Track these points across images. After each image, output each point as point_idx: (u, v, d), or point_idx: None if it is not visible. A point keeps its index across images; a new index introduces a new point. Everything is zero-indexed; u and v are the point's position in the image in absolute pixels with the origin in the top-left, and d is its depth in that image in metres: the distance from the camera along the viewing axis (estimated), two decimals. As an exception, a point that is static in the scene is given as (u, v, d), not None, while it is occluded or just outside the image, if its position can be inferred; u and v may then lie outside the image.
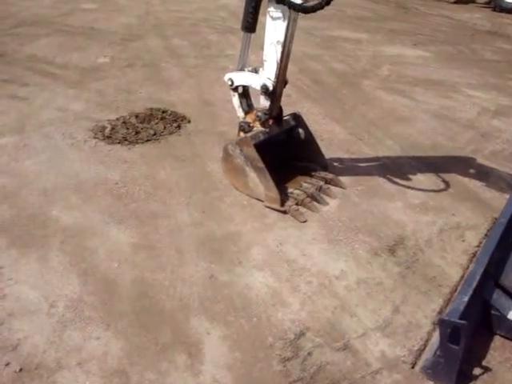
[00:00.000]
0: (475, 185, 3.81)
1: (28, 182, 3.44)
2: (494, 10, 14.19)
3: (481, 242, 3.08)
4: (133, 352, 2.15)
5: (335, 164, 3.83)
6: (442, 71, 7.03)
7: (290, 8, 2.86)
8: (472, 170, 4.06)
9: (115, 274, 2.60)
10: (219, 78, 5.62)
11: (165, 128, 4.33)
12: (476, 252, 2.98)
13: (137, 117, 4.51)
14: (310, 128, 3.63)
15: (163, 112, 4.64)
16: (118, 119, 4.47)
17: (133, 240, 2.87)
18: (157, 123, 4.40)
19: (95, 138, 4.13)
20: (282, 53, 3.02)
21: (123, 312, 2.36)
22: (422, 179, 3.80)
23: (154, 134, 4.20)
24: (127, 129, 4.27)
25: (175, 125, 4.41)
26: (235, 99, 3.40)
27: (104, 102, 4.93)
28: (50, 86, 5.27)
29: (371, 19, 10.90)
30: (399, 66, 7.09)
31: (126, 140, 4.08)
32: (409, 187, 3.65)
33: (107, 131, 4.22)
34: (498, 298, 2.44)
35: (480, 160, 4.25)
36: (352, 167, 3.88)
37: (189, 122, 4.52)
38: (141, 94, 5.17)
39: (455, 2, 15.64)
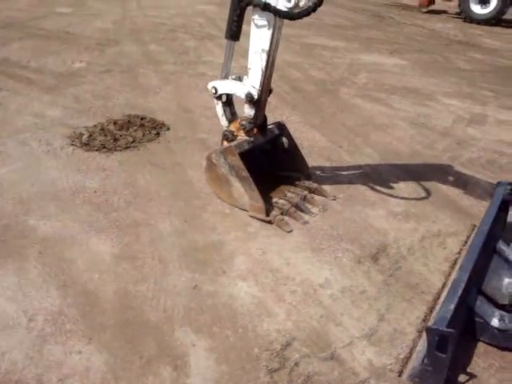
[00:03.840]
0: (454, 192, 3.86)
1: (3, 191, 3.35)
2: (465, 20, 14.52)
3: (461, 249, 3.11)
4: (117, 366, 2.09)
5: (317, 172, 3.84)
6: (418, 79, 7.14)
7: (275, 15, 2.86)
8: (450, 178, 4.11)
9: (96, 286, 2.54)
10: (197, 85, 5.63)
11: (144, 135, 4.27)
12: (457, 259, 3.01)
13: (115, 124, 4.44)
14: (291, 133, 3.62)
15: (142, 119, 4.58)
16: (95, 126, 4.39)
17: (114, 250, 2.81)
18: (135, 130, 4.34)
19: (72, 144, 4.05)
20: (267, 61, 3.01)
21: (105, 325, 2.30)
22: (403, 187, 3.84)
23: (133, 142, 4.14)
24: (105, 136, 4.20)
25: (154, 132, 4.35)
26: (219, 108, 3.37)
27: (81, 108, 4.85)
28: (24, 91, 5.17)
29: (348, 28, 11.02)
30: (376, 73, 7.17)
31: (104, 147, 4.01)
32: (390, 195, 3.67)
33: (85, 138, 4.15)
34: (481, 305, 2.47)
35: (457, 167, 4.31)
36: (333, 175, 3.89)
37: (168, 129, 4.48)
38: (118, 101, 5.10)
39: (427, 12, 15.97)
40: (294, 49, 7.95)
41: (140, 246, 2.87)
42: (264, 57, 3.00)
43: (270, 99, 3.41)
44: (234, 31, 3.15)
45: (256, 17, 2.97)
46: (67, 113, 4.71)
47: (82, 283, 2.55)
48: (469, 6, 14.40)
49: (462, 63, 8.70)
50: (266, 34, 2.96)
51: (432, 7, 16.39)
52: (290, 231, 3.09)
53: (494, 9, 14.04)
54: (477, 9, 14.35)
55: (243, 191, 3.12)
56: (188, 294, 2.53)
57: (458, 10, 15.07)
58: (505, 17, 14.38)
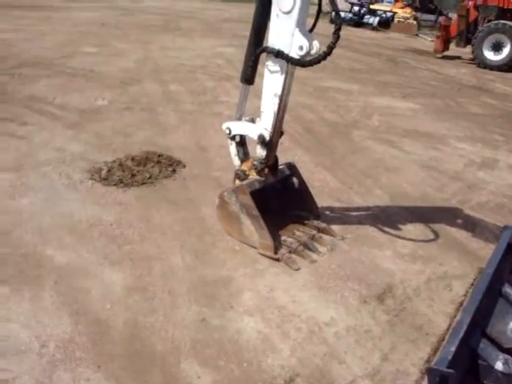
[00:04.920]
0: (462, 235, 3.91)
1: (23, 221, 3.49)
2: (479, 66, 14.78)
3: (467, 292, 3.14)
4: (123, 395, 2.16)
5: (326, 212, 3.92)
6: (430, 123, 7.26)
7: (288, 62, 3.02)
8: (459, 221, 4.17)
9: (107, 316, 2.63)
10: (214, 124, 5.81)
11: (160, 172, 4.42)
12: (463, 301, 3.04)
13: (133, 159, 4.61)
14: (303, 176, 3.74)
15: (159, 156, 4.74)
16: (114, 161, 4.55)
17: (126, 282, 2.91)
18: (152, 166, 4.49)
19: (92, 179, 4.21)
20: (279, 105, 3.16)
21: (114, 354, 2.38)
22: (411, 229, 3.90)
23: (150, 178, 4.29)
24: (123, 171, 4.36)
25: (170, 169, 4.50)
26: (232, 147, 3.52)
27: (101, 143, 5.03)
28: (48, 126, 5.39)
29: (363, 71, 11.28)
30: (389, 117, 7.32)
31: (121, 182, 4.16)
32: (398, 236, 3.74)
33: (104, 173, 4.30)
34: (484, 347, 2.49)
35: (467, 211, 4.37)
36: (342, 216, 3.97)
37: (184, 166, 4.62)
38: (137, 137, 5.28)
39: (442, 57, 16.27)
40: (308, 91, 8.16)
41: (151, 279, 2.96)
42: (276, 101, 3.15)
43: (283, 140, 3.55)
44: (249, 76, 3.32)
45: (270, 63, 3.13)
46: (88, 148, 4.89)
47: (93, 312, 2.64)
48: (482, 53, 14.69)
49: (474, 108, 8.83)
50: (279, 79, 3.11)
51: (446, 53, 16.70)
52: (298, 269, 3.16)
53: (507, 56, 14.29)
54: (490, 55, 14.63)
55: (253, 229, 3.22)
56: (196, 327, 2.60)
57: (471, 56, 15.35)
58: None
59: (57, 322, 2.55)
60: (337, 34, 2.80)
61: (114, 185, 4.13)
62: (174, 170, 4.50)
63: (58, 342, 2.42)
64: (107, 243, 3.29)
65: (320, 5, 3.14)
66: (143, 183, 4.19)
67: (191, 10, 23.91)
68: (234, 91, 7.49)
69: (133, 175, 4.30)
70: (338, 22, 2.79)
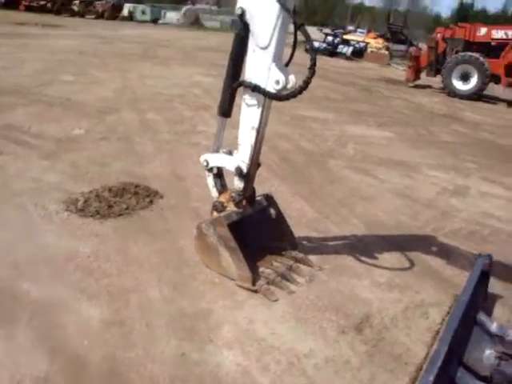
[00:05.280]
0: (437, 263, 3.98)
1: (-3, 254, 3.42)
2: (449, 95, 15.32)
3: (443, 319, 3.19)
4: None
5: (304, 242, 3.96)
6: (404, 151, 7.44)
7: (265, 96, 3.09)
8: (434, 248, 4.25)
9: (85, 352, 2.58)
10: (191, 154, 5.85)
11: (137, 203, 4.41)
12: (439, 329, 3.08)
13: (110, 190, 4.59)
14: (280, 206, 3.78)
15: (136, 186, 4.73)
16: (91, 192, 4.53)
17: (103, 316, 2.87)
18: (130, 197, 4.48)
19: (68, 210, 4.17)
20: (256, 137, 3.21)
21: (92, 392, 2.34)
22: (387, 257, 3.96)
23: (127, 209, 4.27)
24: (100, 202, 4.33)
25: (148, 200, 4.49)
26: (210, 179, 3.55)
27: (77, 173, 5.01)
28: (24, 156, 5.33)
29: (338, 100, 11.54)
30: (364, 145, 7.48)
31: (98, 213, 4.13)
32: (375, 265, 3.79)
33: (80, 204, 4.27)
34: (462, 376, 2.52)
35: (440, 238, 4.46)
36: (320, 246, 4.01)
37: (161, 197, 4.62)
38: (114, 167, 5.27)
39: (413, 86, 16.78)
40: (285, 120, 8.29)
41: (129, 312, 2.93)
42: (253, 133, 3.21)
43: (260, 170, 3.59)
44: (226, 109, 3.38)
45: (247, 97, 3.20)
46: (64, 178, 4.86)
47: (70, 349, 2.60)
48: (451, 82, 15.26)
49: (445, 136, 9.09)
50: (256, 112, 3.18)
51: (418, 82, 17.25)
52: (276, 300, 3.16)
53: (475, 85, 14.85)
54: (459, 85, 15.20)
55: (231, 261, 3.23)
56: (175, 361, 2.58)
57: (441, 86, 15.89)
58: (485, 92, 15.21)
59: (32, 361, 2.50)
60: (312, 69, 2.88)
61: (91, 216, 4.09)
62: (151, 201, 4.49)
63: (34, 381, 2.36)
64: (84, 277, 3.25)
65: (295, 40, 3.24)
66: (120, 214, 4.17)
67: (169, 38, 24.21)
68: (211, 121, 7.57)
69: (110, 206, 4.28)
70: (314, 57, 2.87)
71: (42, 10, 33.40)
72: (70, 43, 16.63)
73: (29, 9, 33.21)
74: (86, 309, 2.93)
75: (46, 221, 3.97)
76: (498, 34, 15.26)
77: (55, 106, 7.64)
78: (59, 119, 6.93)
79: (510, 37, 14.94)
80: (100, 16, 36.17)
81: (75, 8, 36.30)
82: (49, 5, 34.80)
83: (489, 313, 3.28)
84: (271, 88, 3.05)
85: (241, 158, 3.31)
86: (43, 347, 2.59)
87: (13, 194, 4.38)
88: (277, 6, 2.91)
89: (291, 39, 3.24)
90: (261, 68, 3.07)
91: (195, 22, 42.72)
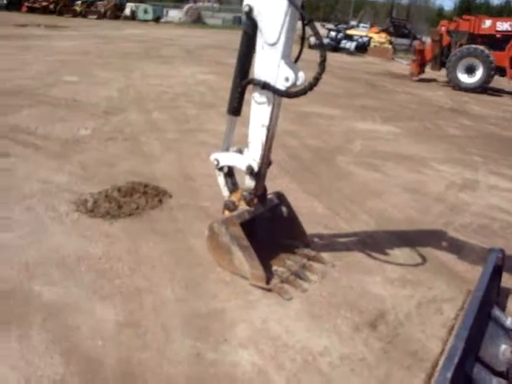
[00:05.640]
0: (448, 258, 3.96)
1: (9, 256, 3.42)
2: (454, 88, 15.27)
3: (457, 315, 3.17)
4: None
5: (315, 240, 3.95)
6: (411, 146, 7.41)
7: (274, 94, 3.07)
8: (445, 243, 4.23)
9: (99, 353, 2.58)
10: (199, 153, 5.84)
11: (147, 202, 4.40)
12: (454, 325, 3.07)
13: (119, 190, 4.58)
14: (291, 204, 3.76)
15: (145, 186, 4.72)
16: (100, 193, 4.52)
17: (117, 317, 2.87)
18: (139, 197, 4.48)
19: (78, 211, 4.17)
20: (267, 135, 3.20)
21: (109, 393, 2.33)
22: (398, 253, 3.94)
23: (137, 209, 4.27)
24: (109, 202, 4.33)
25: (157, 199, 4.49)
26: (220, 178, 3.54)
27: (86, 174, 5.00)
28: (32, 158, 5.34)
29: (343, 96, 11.50)
30: (371, 141, 7.45)
31: (108, 214, 4.13)
32: (386, 262, 3.77)
33: (89, 205, 4.27)
34: (478, 372, 2.51)
35: (451, 233, 4.45)
36: (331, 243, 4.00)
37: (170, 196, 4.61)
38: (122, 168, 5.27)
39: (418, 80, 16.71)
40: (291, 117, 8.26)
41: (143, 314, 2.92)
42: (264, 131, 3.19)
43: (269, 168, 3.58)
44: (235, 107, 3.36)
45: (256, 94, 3.18)
46: (73, 179, 4.85)
47: (85, 350, 2.59)
48: (456, 76, 15.19)
49: (452, 130, 9.05)
50: (266, 110, 3.16)
51: (422, 76, 17.18)
52: (290, 299, 3.15)
53: (480, 78, 14.77)
54: (464, 78, 15.13)
55: (244, 260, 3.22)
56: (190, 361, 2.57)
57: (446, 79, 15.82)
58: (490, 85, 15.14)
59: (47, 362, 2.49)
60: (322, 65, 2.87)
61: (101, 217, 4.09)
62: (160, 201, 4.48)
63: (49, 383, 2.36)
64: (96, 278, 3.25)
65: (304, 37, 3.22)
66: (130, 214, 4.17)
67: (171, 37, 24.18)
68: (217, 119, 7.56)
69: (119, 206, 4.27)
70: (323, 54, 2.85)
71: (44, 11, 33.44)
72: (73, 44, 16.65)
73: (31, 10, 33.27)
74: (100, 310, 2.93)
75: (56, 222, 3.96)
76: (503, 26, 15.17)
77: (60, 107, 7.64)
78: (65, 120, 6.93)
79: (514, 29, 14.85)
80: (102, 16, 36.19)
81: (77, 8, 36.32)
82: (51, 6, 34.83)
83: (502, 307, 3.26)
84: (281, 85, 3.04)
85: (252, 157, 3.30)
86: (58, 349, 2.59)
87: (22, 196, 4.38)
88: (285, 2, 2.89)
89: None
90: (270, 65, 3.05)
91: (197, 20, 42.72)
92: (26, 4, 33.92)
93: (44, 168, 5.10)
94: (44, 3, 34.57)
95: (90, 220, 4.03)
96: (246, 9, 3.06)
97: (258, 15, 3.04)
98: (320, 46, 2.88)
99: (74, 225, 3.95)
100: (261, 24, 3.03)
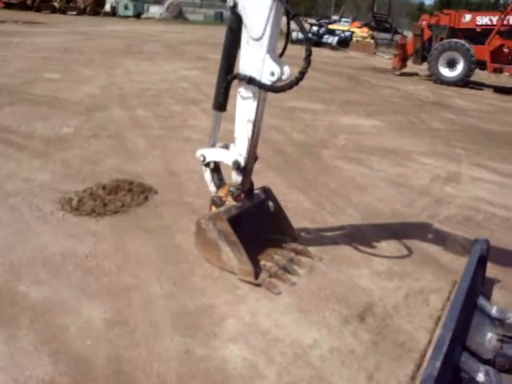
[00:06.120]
0: (434, 249, 4.01)
1: (-7, 257, 3.38)
2: (435, 82, 15.44)
3: (444, 306, 3.22)
4: (111, 435, 2.10)
5: (302, 234, 3.96)
6: (394, 140, 7.47)
7: (260, 88, 3.07)
8: (430, 235, 4.28)
9: (89, 352, 2.56)
10: (183, 149, 5.82)
11: (132, 199, 4.37)
12: (440, 315, 3.11)
13: (104, 188, 4.54)
14: (277, 199, 3.77)
15: (130, 183, 4.68)
16: (85, 191, 4.47)
17: (106, 315, 2.85)
18: (124, 195, 4.44)
19: (63, 209, 4.12)
20: (253, 130, 3.20)
21: (99, 392, 2.32)
22: (385, 246, 3.97)
23: (122, 206, 4.23)
24: (95, 200, 4.29)
25: (143, 196, 4.46)
26: (207, 174, 3.53)
27: (70, 172, 4.95)
28: (14, 156, 5.26)
29: (326, 90, 11.53)
30: (355, 135, 7.49)
31: (94, 212, 4.09)
32: (373, 254, 3.80)
33: (74, 203, 4.22)
34: (466, 360, 2.54)
35: (436, 225, 4.49)
36: (318, 237, 4.01)
37: (156, 193, 4.58)
38: (107, 165, 5.22)
39: (400, 74, 16.84)
40: (275, 112, 8.26)
41: (131, 311, 2.91)
42: (250, 126, 3.19)
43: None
44: (221, 103, 3.35)
45: (242, 89, 3.17)
46: (56, 177, 4.80)
47: (74, 350, 2.57)
48: (438, 69, 15.36)
49: (435, 123, 9.14)
50: (252, 105, 3.15)
51: (404, 70, 17.32)
52: (279, 293, 3.16)
53: (461, 72, 14.95)
54: (445, 72, 15.30)
55: (232, 255, 3.22)
56: (180, 358, 2.56)
57: (428, 73, 15.98)
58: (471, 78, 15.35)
59: (35, 363, 2.47)
60: (308, 60, 2.87)
61: (86, 215, 4.05)
62: (146, 197, 4.45)
63: (39, 384, 2.34)
64: (83, 276, 3.22)
65: (289, 31, 3.22)
66: (116, 212, 4.13)
67: (153, 33, 24.01)
68: (201, 115, 7.54)
69: (105, 204, 4.23)
70: (309, 48, 2.86)
71: (21, 7, 32.84)
72: (53, 40, 16.41)
73: (7, 6, 32.64)
74: (88, 309, 2.90)
75: (41, 221, 3.92)
76: (483, 20, 15.35)
77: (42, 105, 7.54)
78: (47, 118, 6.84)
79: (494, 23, 15.04)
80: (82, 12, 35.70)
81: (56, 4, 35.79)
82: (28, 1, 34.27)
83: (488, 297, 3.31)
84: (266, 80, 3.03)
85: (238, 152, 3.29)
86: (46, 349, 2.56)
87: (5, 195, 4.32)
88: (269, -3, 2.88)
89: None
90: (255, 60, 3.05)
91: (179, 16, 42.46)
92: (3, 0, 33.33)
93: (27, 167, 5.03)
94: (21, -1, 34.02)
95: (75, 218, 3.99)
96: (230, 3, 3.05)
97: (242, 10, 3.02)
98: (305, 41, 2.88)
99: (60, 223, 3.90)
100: (245, 19, 3.02)
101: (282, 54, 3.19)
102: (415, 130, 8.39)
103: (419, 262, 3.77)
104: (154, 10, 42.81)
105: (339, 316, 3.02)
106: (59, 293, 3.03)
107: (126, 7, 38.68)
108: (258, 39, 3.00)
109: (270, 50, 3.02)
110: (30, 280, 3.14)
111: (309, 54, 2.85)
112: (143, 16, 39.83)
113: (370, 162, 6.20)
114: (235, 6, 3.04)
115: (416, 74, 17.25)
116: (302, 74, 2.89)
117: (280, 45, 3.18)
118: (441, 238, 4.21)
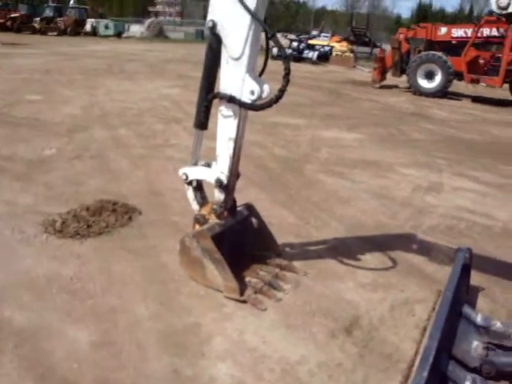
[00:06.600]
0: (418, 260, 4.05)
1: (-24, 282, 3.33)
2: (414, 93, 15.73)
3: (430, 316, 3.25)
4: None
5: (287, 249, 3.98)
6: (376, 152, 7.56)
7: (240, 107, 3.11)
8: (414, 246, 4.32)
9: (75, 376, 2.53)
10: (166, 168, 5.82)
11: (116, 220, 4.36)
12: (426, 325, 3.13)
13: (87, 209, 4.52)
14: (261, 214, 3.79)
15: (114, 204, 4.66)
16: (68, 212, 4.45)
17: (92, 338, 2.82)
18: (108, 215, 4.43)
19: (46, 232, 4.09)
20: (234, 148, 3.22)
21: (86, 417, 2.29)
22: (369, 258, 4.01)
23: (106, 227, 4.22)
24: (78, 222, 4.27)
25: (127, 216, 4.44)
26: (190, 193, 3.54)
27: (53, 194, 4.92)
28: (-5, 180, 5.22)
29: (307, 105, 11.65)
30: (337, 148, 7.57)
31: (77, 234, 4.07)
32: (358, 267, 3.83)
33: (58, 225, 4.20)
34: (453, 369, 2.57)
35: (420, 235, 4.55)
36: (303, 251, 4.03)
37: (140, 213, 4.57)
38: (90, 186, 5.20)
39: (380, 87, 17.10)
40: (257, 128, 8.31)
41: (117, 333, 2.89)
42: (231, 144, 3.22)
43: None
44: (202, 121, 3.38)
45: (222, 108, 3.21)
46: (39, 200, 4.77)
47: (60, 374, 2.54)
48: (417, 81, 15.66)
49: (415, 134, 9.28)
50: (233, 123, 3.19)
51: (384, 82, 17.60)
52: (265, 309, 3.17)
53: (439, 83, 15.26)
54: (424, 83, 15.61)
55: (217, 273, 3.22)
56: (168, 378, 2.55)
57: (407, 85, 16.26)
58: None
59: (21, 389, 2.44)
60: (287, 78, 2.92)
61: (70, 237, 4.03)
62: (130, 218, 4.44)
63: (24, 410, 2.31)
64: (68, 299, 3.19)
65: (268, 50, 3.27)
66: (100, 233, 4.11)
67: (134, 52, 24.09)
68: (183, 133, 7.57)
69: (88, 226, 4.21)
70: (288, 67, 2.91)
71: (1, 28, 32.82)
72: (34, 61, 16.38)
73: (-13, 28, 32.64)
74: (73, 332, 2.88)
75: (24, 244, 3.88)
76: (458, 32, 15.73)
77: (23, 127, 7.50)
78: (28, 140, 6.81)
79: (469, 35, 15.40)
80: (62, 32, 35.75)
81: (36, 25, 35.79)
82: (8, 23, 34.21)
83: (472, 305, 3.35)
84: (246, 98, 3.07)
85: (220, 170, 3.31)
86: (32, 375, 2.53)
87: (-13, 219, 4.28)
88: (248, 17, 2.93)
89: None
90: (235, 79, 3.09)
91: (159, 34, 42.72)
92: (-18, 21, 33.29)
93: (9, 189, 4.99)
94: (0, 20, 33.95)
95: (59, 241, 3.96)
96: (209, 24, 3.09)
97: (221, 30, 3.07)
98: (284, 59, 2.93)
99: (43, 246, 3.87)
100: (225, 39, 3.07)
101: (261, 73, 3.24)
102: (396, 141, 8.51)
103: (404, 273, 3.80)
104: (135, 29, 43.05)
105: (326, 330, 3.03)
106: (44, 316, 3.00)
107: (106, 27, 38.84)
108: (238, 59, 3.05)
109: (250, 69, 3.07)
110: (14, 304, 3.11)
111: (287, 73, 2.89)
112: (124, 35, 40.01)
113: (353, 174, 6.26)
114: (214, 26, 3.08)
115: (396, 86, 17.52)
116: (282, 92, 2.93)
117: (260, 61, 3.23)
118: (424, 248, 4.25)
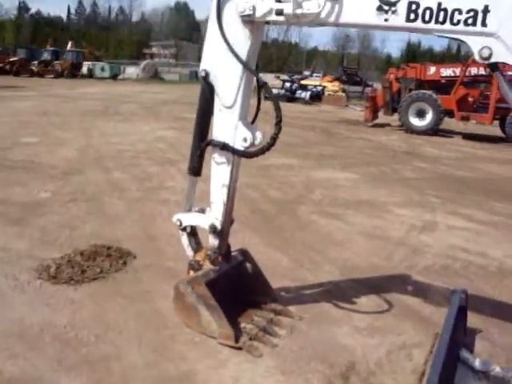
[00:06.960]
0: (414, 302, 4.04)
1: (-33, 332, 3.29)
2: (406, 131, 16.02)
3: (427, 360, 3.21)
4: None
5: (282, 293, 3.95)
6: (369, 192, 7.63)
7: (233, 154, 3.17)
8: (409, 287, 4.31)
9: (67, 430, 2.49)
10: (161, 212, 5.84)
11: (111, 265, 4.34)
12: (424, 370, 3.10)
13: (82, 254, 4.51)
14: (255, 258, 3.79)
15: (108, 248, 4.66)
16: (62, 257, 4.43)
17: (84, 389, 2.78)
18: (102, 260, 4.41)
19: (40, 278, 4.06)
20: (228, 194, 3.27)
21: None
22: (365, 301, 3.99)
23: (101, 272, 4.20)
24: (72, 267, 4.25)
25: (121, 261, 4.43)
26: (184, 238, 3.55)
27: (47, 239, 4.91)
28: (-11, 225, 5.21)
29: (301, 145, 11.80)
30: (330, 189, 7.63)
31: (72, 280, 4.05)
32: (353, 310, 3.81)
33: (52, 271, 4.18)
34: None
35: (415, 276, 4.54)
36: (298, 295, 4.01)
37: (134, 257, 4.56)
38: (84, 230, 5.20)
39: (372, 126, 17.40)
40: (251, 171, 8.36)
41: (112, 381, 2.84)
42: (225, 191, 3.26)
43: (231, 223, 3.61)
44: (196, 168, 3.43)
45: (216, 155, 3.26)
46: (34, 244, 4.75)
47: (52, 429, 2.49)
48: (408, 120, 15.98)
49: (408, 173, 9.39)
50: (226, 170, 3.24)
51: (376, 121, 17.92)
52: (260, 356, 3.13)
53: (430, 121, 15.58)
54: (416, 121, 15.94)
55: (212, 319, 3.20)
56: (162, 431, 2.50)
57: (399, 123, 16.57)
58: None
59: None
60: (278, 126, 3.00)
61: (64, 283, 4.00)
62: (124, 263, 4.43)
63: None
64: (61, 347, 3.15)
65: (259, 98, 3.35)
66: (94, 279, 4.09)
67: (129, 93, 24.48)
68: (178, 176, 7.62)
69: (83, 271, 4.19)
70: (279, 115, 2.98)
71: (-1, 71, 33.42)
72: (31, 104, 16.61)
73: (-14, 72, 33.20)
74: (65, 381, 2.83)
75: (17, 291, 3.85)
76: (446, 72, 16.17)
77: (18, 170, 7.55)
78: (24, 183, 6.84)
79: (457, 74, 15.82)
80: (60, 75, 36.39)
81: (34, 68, 36.43)
82: (7, 66, 34.83)
83: (470, 348, 3.32)
84: (239, 146, 3.13)
85: (214, 216, 3.34)
86: (22, 429, 2.48)
87: (-20, 265, 4.26)
88: (240, 67, 3.03)
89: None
90: (228, 127, 3.16)
91: (155, 76, 43.55)
92: (-19, 65, 33.89)
93: (3, 234, 4.99)
94: (-1, 64, 34.60)
95: (53, 287, 3.94)
96: (202, 74, 3.19)
97: (214, 79, 3.16)
98: (276, 108, 3.00)
99: (37, 293, 3.84)
100: (217, 88, 3.16)
101: (253, 121, 3.32)
102: (389, 180, 8.60)
103: (400, 316, 3.78)
104: (131, 71, 43.89)
105: (322, 376, 3.00)
106: (36, 366, 2.96)
107: (102, 69, 39.60)
108: (230, 107, 3.13)
109: (242, 117, 3.15)
110: (6, 354, 3.06)
111: (279, 121, 2.97)
112: (120, 77, 40.76)
113: (346, 215, 6.30)
114: (207, 75, 3.18)
115: (388, 125, 17.81)
116: (274, 139, 3.01)
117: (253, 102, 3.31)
118: (420, 290, 4.25)
